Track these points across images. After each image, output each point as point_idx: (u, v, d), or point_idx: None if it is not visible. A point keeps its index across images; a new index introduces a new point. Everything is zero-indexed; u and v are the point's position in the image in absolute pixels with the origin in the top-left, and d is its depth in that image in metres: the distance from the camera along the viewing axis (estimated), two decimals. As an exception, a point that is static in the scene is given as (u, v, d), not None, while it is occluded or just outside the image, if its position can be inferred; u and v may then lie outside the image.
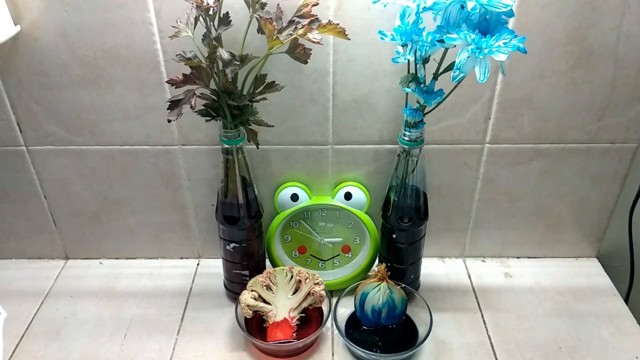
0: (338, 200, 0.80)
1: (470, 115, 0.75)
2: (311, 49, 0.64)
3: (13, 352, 0.75)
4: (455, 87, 0.59)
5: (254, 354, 0.73)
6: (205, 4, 0.59)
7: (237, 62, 0.61)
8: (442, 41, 0.55)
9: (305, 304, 0.75)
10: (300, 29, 0.61)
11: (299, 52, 0.63)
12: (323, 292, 0.75)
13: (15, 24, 0.68)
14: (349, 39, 0.63)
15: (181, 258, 0.91)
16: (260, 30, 0.63)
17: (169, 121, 0.61)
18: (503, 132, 0.77)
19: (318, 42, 0.61)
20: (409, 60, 0.62)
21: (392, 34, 0.60)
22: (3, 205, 0.85)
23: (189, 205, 0.85)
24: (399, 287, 0.75)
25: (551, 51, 0.70)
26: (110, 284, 0.86)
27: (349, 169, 0.81)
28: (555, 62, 0.71)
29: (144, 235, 0.88)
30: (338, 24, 0.61)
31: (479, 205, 0.84)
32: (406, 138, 0.68)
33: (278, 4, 0.63)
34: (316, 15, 0.62)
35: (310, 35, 0.61)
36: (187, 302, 0.82)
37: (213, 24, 0.61)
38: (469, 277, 0.87)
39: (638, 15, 0.67)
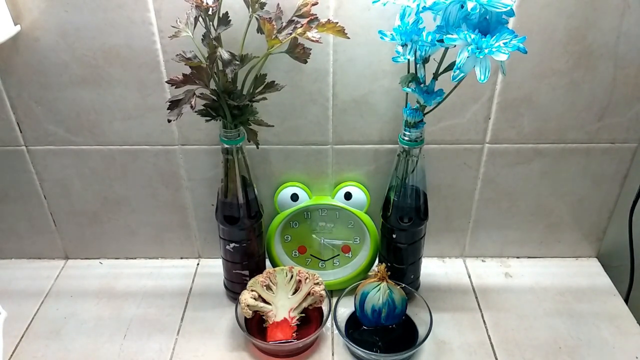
0: (338, 200, 0.80)
1: (470, 115, 0.75)
2: (311, 49, 0.64)
3: (13, 352, 0.75)
4: (455, 87, 0.59)
5: (254, 354, 0.73)
6: (204, 4, 0.59)
7: (237, 62, 0.61)
8: (442, 41, 0.55)
9: (305, 304, 0.75)
10: (299, 28, 0.61)
11: (299, 52, 0.63)
12: (323, 292, 0.75)
13: (15, 24, 0.68)
14: (349, 38, 0.63)
15: (181, 258, 0.91)
16: (259, 30, 0.63)
17: (169, 121, 0.61)
18: (503, 132, 0.77)
19: (317, 41, 0.61)
20: (409, 60, 0.62)
21: (392, 34, 0.60)
22: (3, 205, 0.85)
23: (189, 205, 0.85)
24: (399, 287, 0.75)
25: (551, 51, 0.70)
26: (110, 284, 0.86)
27: (349, 169, 0.80)
28: (555, 62, 0.71)
29: (144, 235, 0.88)
30: (337, 23, 0.61)
31: (479, 205, 0.84)
32: (406, 138, 0.68)
33: (278, 4, 0.64)
34: (316, 15, 0.62)
35: (309, 34, 0.61)
36: (187, 302, 0.82)
37: (212, 24, 0.61)
38: (469, 277, 0.87)
39: (638, 15, 0.67)
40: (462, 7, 0.53)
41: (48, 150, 0.79)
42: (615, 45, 0.69)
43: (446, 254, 0.91)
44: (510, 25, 0.67)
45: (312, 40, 0.61)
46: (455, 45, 0.54)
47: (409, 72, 0.64)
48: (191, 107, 0.60)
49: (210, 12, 0.60)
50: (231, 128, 0.68)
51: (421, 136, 0.68)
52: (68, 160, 0.80)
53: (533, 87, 0.73)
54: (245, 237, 0.76)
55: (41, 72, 0.72)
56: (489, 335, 0.76)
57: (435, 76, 0.62)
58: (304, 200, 0.80)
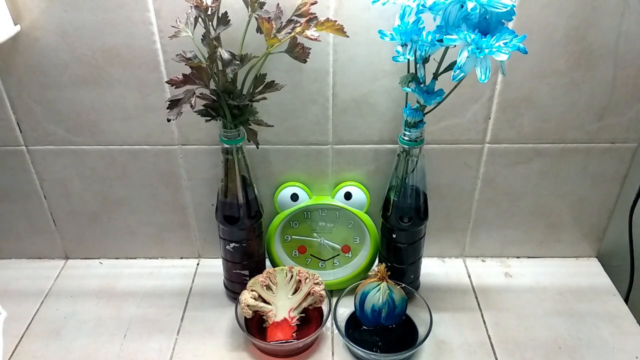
0: (338, 200, 0.80)
1: (470, 115, 0.75)
2: (310, 48, 0.64)
3: (13, 352, 0.75)
4: (456, 87, 0.59)
5: (254, 354, 0.73)
6: (203, 4, 0.59)
7: (237, 62, 0.61)
8: (441, 41, 0.55)
9: (305, 304, 0.75)
10: (298, 27, 0.61)
11: (298, 51, 0.63)
12: (323, 292, 0.75)
13: (15, 24, 0.68)
14: (348, 37, 0.63)
15: (181, 258, 0.92)
16: (259, 29, 0.63)
17: (169, 120, 0.61)
18: (503, 132, 0.77)
19: (315, 39, 0.61)
20: (408, 60, 0.62)
21: (391, 34, 0.60)
22: (3, 205, 0.85)
23: (189, 205, 0.85)
24: (398, 287, 0.75)
25: (551, 51, 0.70)
26: (110, 284, 0.86)
27: (349, 168, 0.80)
28: (555, 62, 0.71)
29: (144, 235, 0.88)
30: (336, 21, 0.61)
31: (479, 205, 0.84)
32: (406, 138, 0.68)
33: (278, 4, 0.64)
34: (315, 14, 0.62)
35: (307, 33, 0.61)
36: (187, 302, 0.82)
37: (212, 23, 0.61)
38: (469, 277, 0.87)
39: (638, 15, 0.67)
40: (462, 7, 0.53)
41: (48, 150, 0.79)
42: (615, 45, 0.69)
43: (446, 254, 0.91)
44: (510, 25, 0.67)
45: (311, 39, 0.61)
46: (455, 45, 0.54)
47: (409, 72, 0.64)
48: (191, 106, 0.60)
49: (209, 12, 0.60)
50: (231, 128, 0.68)
51: (421, 136, 0.68)
52: (68, 160, 0.80)
53: (533, 87, 0.73)
54: (245, 237, 0.76)
55: (41, 72, 0.72)
56: (489, 335, 0.76)
57: (435, 76, 0.62)
58: (304, 200, 0.80)
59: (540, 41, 0.69)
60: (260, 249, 0.80)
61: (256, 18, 0.62)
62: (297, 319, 0.74)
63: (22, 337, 0.77)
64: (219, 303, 0.82)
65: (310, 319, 0.76)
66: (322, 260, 0.85)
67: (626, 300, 0.82)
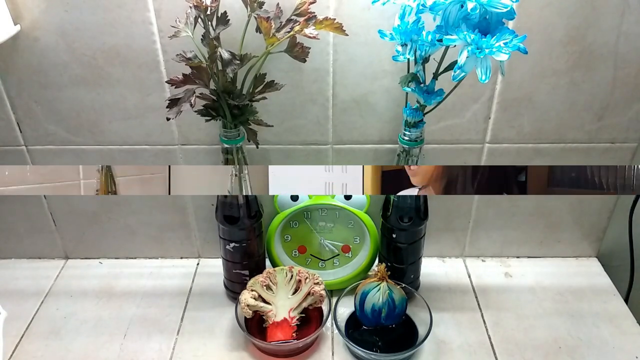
0: (338, 200, 0.80)
1: (470, 115, 0.75)
2: (309, 47, 0.64)
3: (13, 352, 0.75)
4: (456, 86, 0.59)
5: (254, 354, 0.73)
6: (203, 4, 0.59)
7: (237, 62, 0.61)
8: (441, 41, 0.55)
9: (305, 304, 0.75)
10: (297, 26, 0.61)
11: (298, 51, 0.64)
12: (323, 292, 0.75)
13: (15, 24, 0.68)
14: (347, 35, 0.63)
15: (181, 258, 0.92)
16: (259, 29, 0.63)
17: (168, 119, 0.61)
18: (503, 131, 0.77)
19: (314, 37, 0.61)
20: (408, 60, 0.62)
21: (391, 34, 0.60)
22: (3, 205, 0.85)
23: (189, 205, 0.85)
24: (398, 286, 0.75)
25: (551, 51, 0.70)
26: (110, 284, 0.86)
27: (349, 168, 0.81)
28: (555, 62, 0.71)
29: (144, 235, 0.88)
30: (335, 20, 0.61)
31: (479, 205, 0.84)
32: (406, 138, 0.68)
33: (277, 4, 0.64)
34: (314, 13, 0.62)
35: (306, 31, 0.61)
36: (187, 302, 0.82)
37: (211, 23, 0.61)
38: (469, 276, 0.87)
39: (638, 15, 0.67)
40: (462, 7, 0.53)
41: (48, 150, 0.79)
42: (615, 45, 0.69)
43: (446, 253, 0.91)
44: (510, 25, 0.67)
45: (310, 37, 0.61)
46: (455, 45, 0.54)
47: (408, 71, 0.64)
48: (191, 105, 0.60)
49: (209, 12, 0.60)
50: (231, 128, 0.68)
51: (421, 136, 0.68)
52: (68, 160, 0.80)
53: (533, 87, 0.73)
54: (245, 237, 0.76)
55: (41, 72, 0.72)
56: (489, 335, 0.76)
57: (435, 76, 0.62)
58: (304, 200, 0.80)
59: (540, 41, 0.69)
60: (260, 249, 0.80)
61: (255, 17, 0.62)
62: (297, 319, 0.74)
63: (22, 337, 0.77)
64: (219, 303, 0.82)
65: (310, 319, 0.76)
66: (322, 260, 0.85)
67: (626, 300, 0.82)
